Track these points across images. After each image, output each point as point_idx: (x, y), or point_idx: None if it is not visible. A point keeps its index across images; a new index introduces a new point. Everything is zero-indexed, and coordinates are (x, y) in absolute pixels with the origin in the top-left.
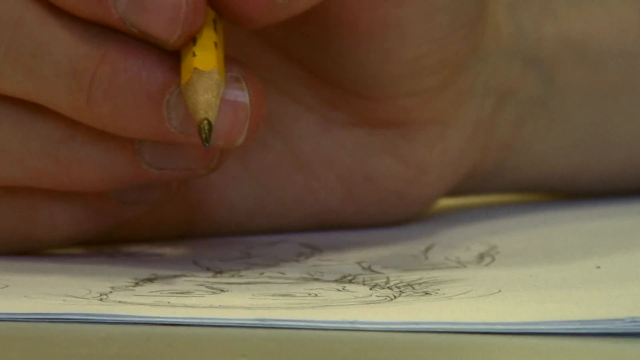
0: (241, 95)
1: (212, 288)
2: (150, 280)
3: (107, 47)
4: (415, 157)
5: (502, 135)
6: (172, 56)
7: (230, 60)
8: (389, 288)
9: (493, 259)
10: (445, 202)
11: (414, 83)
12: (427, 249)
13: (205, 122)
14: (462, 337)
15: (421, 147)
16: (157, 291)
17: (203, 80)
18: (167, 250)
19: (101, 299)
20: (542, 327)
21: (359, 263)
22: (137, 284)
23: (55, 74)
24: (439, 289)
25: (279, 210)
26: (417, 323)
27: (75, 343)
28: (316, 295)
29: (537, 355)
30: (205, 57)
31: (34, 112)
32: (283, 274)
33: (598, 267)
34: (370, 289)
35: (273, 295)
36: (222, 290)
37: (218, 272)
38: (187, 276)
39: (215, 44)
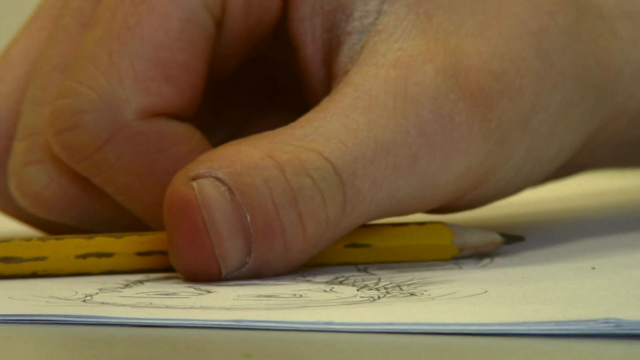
0: None
1: (200, 289)
2: (141, 282)
3: None
4: None
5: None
6: None
7: None
8: (377, 289)
9: (492, 260)
10: None
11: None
12: None
13: None
14: (438, 338)
15: None
16: (143, 293)
17: None
18: None
19: (84, 301)
20: (515, 328)
21: (356, 264)
22: (126, 286)
23: None
24: (426, 290)
25: None
26: (392, 324)
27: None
28: (301, 296)
29: (512, 356)
30: None
31: None
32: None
33: (593, 268)
34: (358, 290)
35: (257, 296)
36: (209, 292)
37: None
38: (180, 277)
39: None
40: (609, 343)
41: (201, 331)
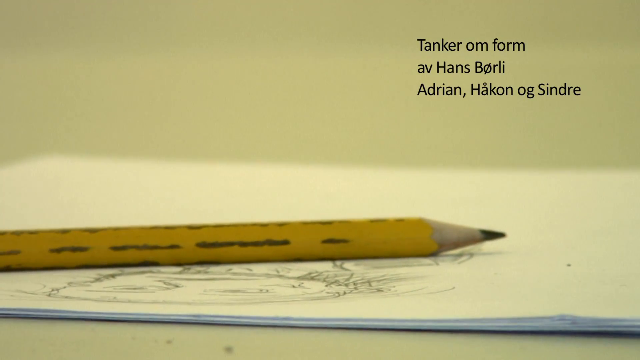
0: None
1: (169, 284)
2: (113, 276)
3: None
4: None
5: None
6: None
7: None
8: (346, 285)
9: (471, 257)
10: (435, 198)
11: None
12: None
13: None
14: (397, 334)
15: None
16: (111, 287)
17: None
18: None
19: (50, 295)
20: (471, 324)
21: (333, 259)
22: (97, 280)
23: None
24: (394, 286)
25: None
26: (348, 319)
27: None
28: (267, 291)
29: (466, 353)
30: None
31: None
32: (250, 270)
33: (569, 264)
34: (326, 285)
35: (224, 291)
36: (177, 286)
37: (187, 268)
38: (154, 272)
39: None
40: (565, 340)
41: (182, 325)
